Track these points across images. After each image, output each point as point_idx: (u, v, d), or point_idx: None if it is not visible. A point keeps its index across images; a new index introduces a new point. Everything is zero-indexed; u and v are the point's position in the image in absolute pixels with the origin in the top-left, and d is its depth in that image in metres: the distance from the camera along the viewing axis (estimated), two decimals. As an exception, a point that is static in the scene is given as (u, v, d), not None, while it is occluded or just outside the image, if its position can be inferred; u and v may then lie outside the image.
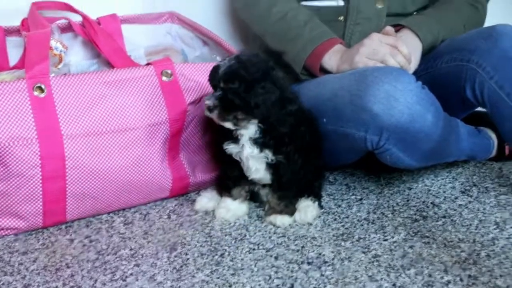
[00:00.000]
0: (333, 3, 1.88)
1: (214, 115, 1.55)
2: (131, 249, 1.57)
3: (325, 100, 1.70)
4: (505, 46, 1.63)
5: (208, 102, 1.54)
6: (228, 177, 1.71)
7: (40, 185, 1.59)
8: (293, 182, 1.66)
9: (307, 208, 1.68)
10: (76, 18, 1.86)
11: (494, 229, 1.61)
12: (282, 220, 1.66)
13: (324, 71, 1.78)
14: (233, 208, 1.70)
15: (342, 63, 1.74)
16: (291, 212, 1.67)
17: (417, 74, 1.75)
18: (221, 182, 1.76)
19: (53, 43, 1.75)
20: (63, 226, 1.67)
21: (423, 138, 1.61)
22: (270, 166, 1.65)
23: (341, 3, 1.87)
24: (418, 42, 1.79)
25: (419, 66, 1.79)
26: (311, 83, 1.80)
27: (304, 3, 1.89)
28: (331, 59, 1.77)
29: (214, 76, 1.57)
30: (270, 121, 1.57)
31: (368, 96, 1.58)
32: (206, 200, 1.75)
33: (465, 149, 1.86)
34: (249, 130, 1.60)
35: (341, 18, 1.86)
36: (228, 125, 1.57)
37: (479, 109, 1.81)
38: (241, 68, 1.53)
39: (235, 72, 1.53)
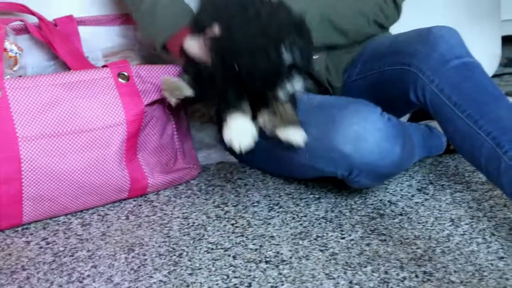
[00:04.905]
0: None
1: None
2: (88, 251, 1.56)
3: None
4: (443, 49, 1.64)
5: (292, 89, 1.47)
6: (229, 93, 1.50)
7: (-4, 187, 1.58)
8: None
9: None
10: (32, 20, 1.84)
11: (450, 225, 1.63)
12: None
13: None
14: (248, 128, 1.53)
15: None
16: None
17: (363, 75, 1.76)
18: (223, 102, 1.53)
19: (7, 45, 1.73)
20: (19, 229, 1.66)
21: (391, 168, 1.64)
22: None
23: None
24: None
25: (361, 67, 1.81)
26: None
27: None
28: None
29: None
30: None
31: (337, 138, 1.59)
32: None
33: (422, 154, 1.90)
34: None
35: None
36: None
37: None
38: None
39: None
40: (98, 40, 1.96)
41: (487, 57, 2.60)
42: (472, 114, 1.57)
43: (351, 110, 1.62)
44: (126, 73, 1.71)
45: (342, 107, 1.64)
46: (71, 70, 1.71)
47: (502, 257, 1.48)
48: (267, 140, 1.75)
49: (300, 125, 1.59)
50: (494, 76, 2.63)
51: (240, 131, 1.52)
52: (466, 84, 1.60)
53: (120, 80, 1.70)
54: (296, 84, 1.46)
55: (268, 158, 1.83)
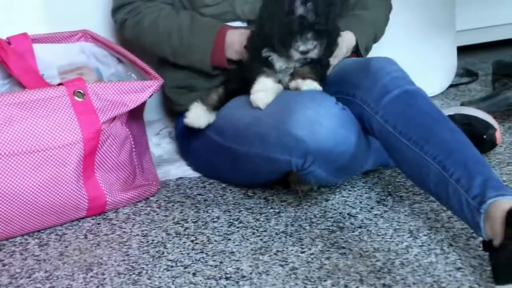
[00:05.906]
0: (239, 24, 1.90)
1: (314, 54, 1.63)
2: (46, 271, 1.54)
3: (246, 124, 1.72)
4: (385, 80, 1.67)
5: (305, 48, 1.61)
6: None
7: (-50, 209, 1.55)
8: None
9: None
10: (-15, 38, 1.83)
11: (408, 237, 1.64)
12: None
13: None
14: (271, 87, 1.68)
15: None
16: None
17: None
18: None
19: (-40, 64, 1.72)
20: (-25, 251, 1.64)
21: (346, 158, 1.64)
22: None
23: (245, 24, 1.89)
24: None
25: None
26: (230, 105, 1.81)
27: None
28: (229, 51, 1.84)
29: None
30: None
31: (292, 122, 1.60)
32: (196, 114, 1.81)
33: (380, 160, 1.91)
34: None
35: None
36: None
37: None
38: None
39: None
40: (54, 58, 1.94)
41: (444, 68, 2.63)
42: (417, 141, 1.58)
43: (305, 97, 1.64)
44: (82, 91, 1.69)
45: (296, 94, 1.66)
46: (26, 89, 1.69)
47: (460, 268, 1.49)
48: (223, 138, 1.75)
49: (315, 80, 1.69)
50: (451, 86, 2.66)
51: (261, 90, 1.67)
52: (409, 112, 1.63)
53: (76, 98, 1.68)
54: (308, 44, 1.60)
55: (225, 158, 1.84)
